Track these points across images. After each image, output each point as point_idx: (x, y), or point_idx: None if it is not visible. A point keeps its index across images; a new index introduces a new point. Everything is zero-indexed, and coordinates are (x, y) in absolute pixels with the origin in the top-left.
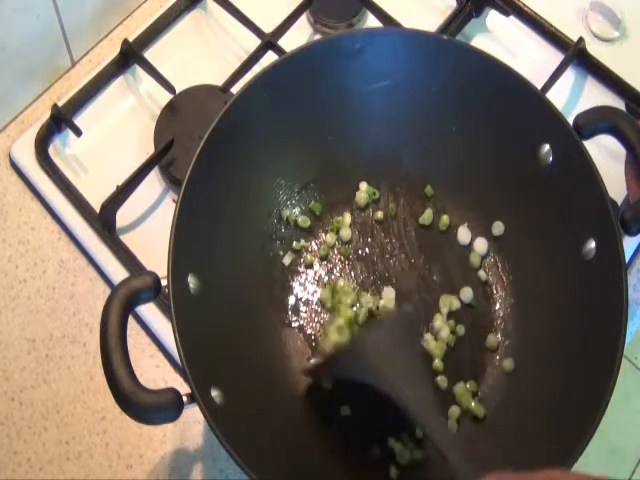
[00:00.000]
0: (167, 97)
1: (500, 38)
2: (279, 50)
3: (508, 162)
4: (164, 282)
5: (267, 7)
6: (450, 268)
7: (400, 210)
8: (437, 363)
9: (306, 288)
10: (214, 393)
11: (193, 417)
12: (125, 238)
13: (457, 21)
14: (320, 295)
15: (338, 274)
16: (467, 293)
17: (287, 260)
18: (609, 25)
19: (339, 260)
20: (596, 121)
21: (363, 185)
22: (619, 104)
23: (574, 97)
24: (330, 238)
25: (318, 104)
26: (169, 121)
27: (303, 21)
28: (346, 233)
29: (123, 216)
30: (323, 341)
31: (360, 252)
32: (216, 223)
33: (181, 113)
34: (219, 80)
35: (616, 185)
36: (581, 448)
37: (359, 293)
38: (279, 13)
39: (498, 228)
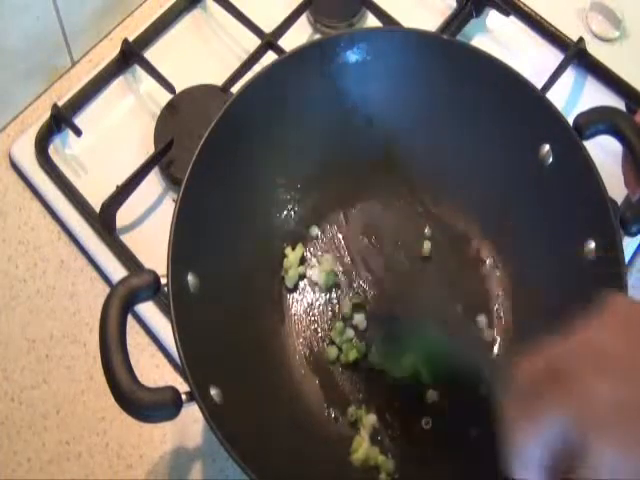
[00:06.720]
0: (167, 97)
1: (500, 38)
2: (279, 50)
3: (508, 162)
4: (163, 280)
5: (267, 7)
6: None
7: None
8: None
9: (306, 288)
10: (213, 392)
11: (193, 417)
12: (125, 238)
13: (457, 21)
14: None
15: (338, 273)
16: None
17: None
18: (609, 25)
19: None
20: (596, 121)
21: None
22: (619, 104)
23: (574, 97)
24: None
25: (318, 103)
26: (169, 121)
27: (303, 21)
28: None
29: (123, 216)
30: None
31: (360, 252)
32: (216, 222)
33: (181, 113)
34: (219, 80)
35: (616, 185)
36: None
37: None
38: (279, 13)
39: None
